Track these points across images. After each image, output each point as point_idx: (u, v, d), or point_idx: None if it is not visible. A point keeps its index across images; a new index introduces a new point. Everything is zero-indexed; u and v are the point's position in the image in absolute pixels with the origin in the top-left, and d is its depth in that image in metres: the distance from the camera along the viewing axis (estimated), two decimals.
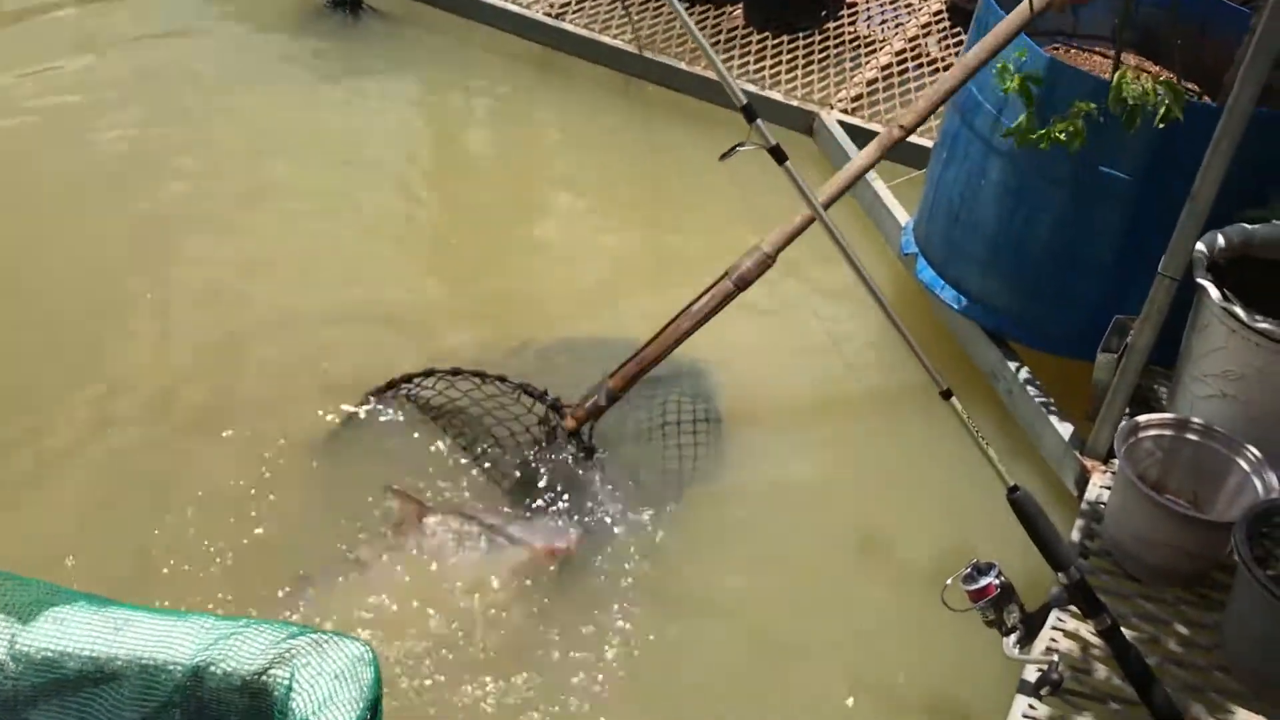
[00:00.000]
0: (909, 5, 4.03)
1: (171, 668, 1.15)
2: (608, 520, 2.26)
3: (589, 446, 2.31)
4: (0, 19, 3.72)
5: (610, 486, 2.32)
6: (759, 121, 1.67)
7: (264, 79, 3.53)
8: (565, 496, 2.27)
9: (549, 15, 3.75)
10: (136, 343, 2.60)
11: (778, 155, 1.65)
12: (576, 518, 2.25)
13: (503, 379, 2.37)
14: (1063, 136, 2.20)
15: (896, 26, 3.91)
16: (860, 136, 3.33)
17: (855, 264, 1.74)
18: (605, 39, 3.65)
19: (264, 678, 1.13)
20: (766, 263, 2.31)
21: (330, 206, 3.05)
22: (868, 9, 3.96)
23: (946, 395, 1.74)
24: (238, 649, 1.15)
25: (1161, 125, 2.08)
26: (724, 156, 1.63)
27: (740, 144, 1.63)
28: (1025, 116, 2.28)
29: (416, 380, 2.41)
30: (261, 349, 2.60)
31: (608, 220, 3.20)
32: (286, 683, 1.12)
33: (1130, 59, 2.57)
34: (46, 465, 2.28)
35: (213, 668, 1.14)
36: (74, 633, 1.17)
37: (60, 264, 2.78)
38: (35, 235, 2.86)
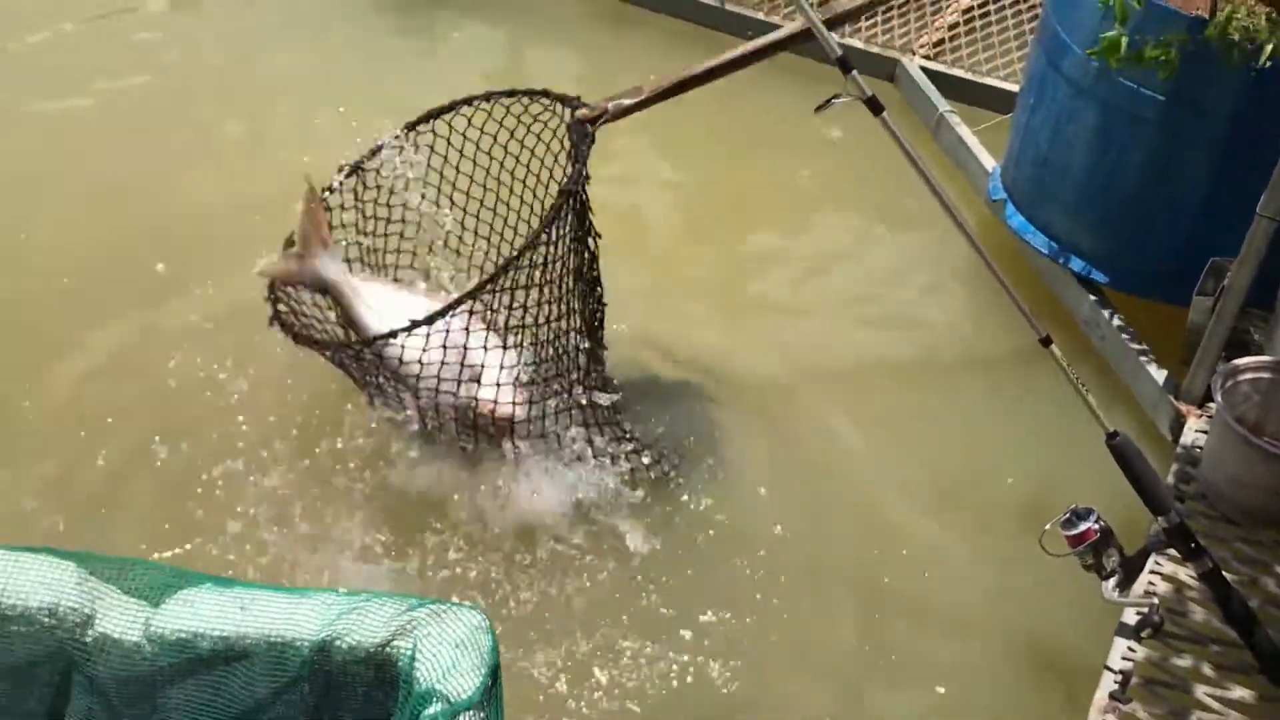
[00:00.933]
0: None
1: (299, 644, 1.20)
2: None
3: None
4: None
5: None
6: (855, 73, 1.67)
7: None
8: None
9: None
10: None
11: (874, 106, 1.66)
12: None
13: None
14: (1152, 61, 2.15)
15: None
16: (943, 82, 3.30)
17: (953, 213, 1.74)
18: None
19: (388, 649, 1.18)
20: None
21: None
22: None
23: (1046, 342, 1.74)
24: (361, 622, 1.20)
25: (1268, 64, 2.04)
26: (819, 109, 1.65)
27: (836, 95, 1.64)
28: (1116, 33, 2.20)
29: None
30: None
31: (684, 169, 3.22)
32: (410, 653, 1.16)
33: None
34: None
35: (338, 642, 1.19)
36: (204, 613, 1.22)
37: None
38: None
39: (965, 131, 3.09)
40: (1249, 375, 2.11)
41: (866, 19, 3.56)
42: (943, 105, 3.19)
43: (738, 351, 2.62)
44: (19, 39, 3.57)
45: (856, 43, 3.47)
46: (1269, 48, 2.01)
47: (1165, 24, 2.18)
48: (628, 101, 2.20)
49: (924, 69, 3.36)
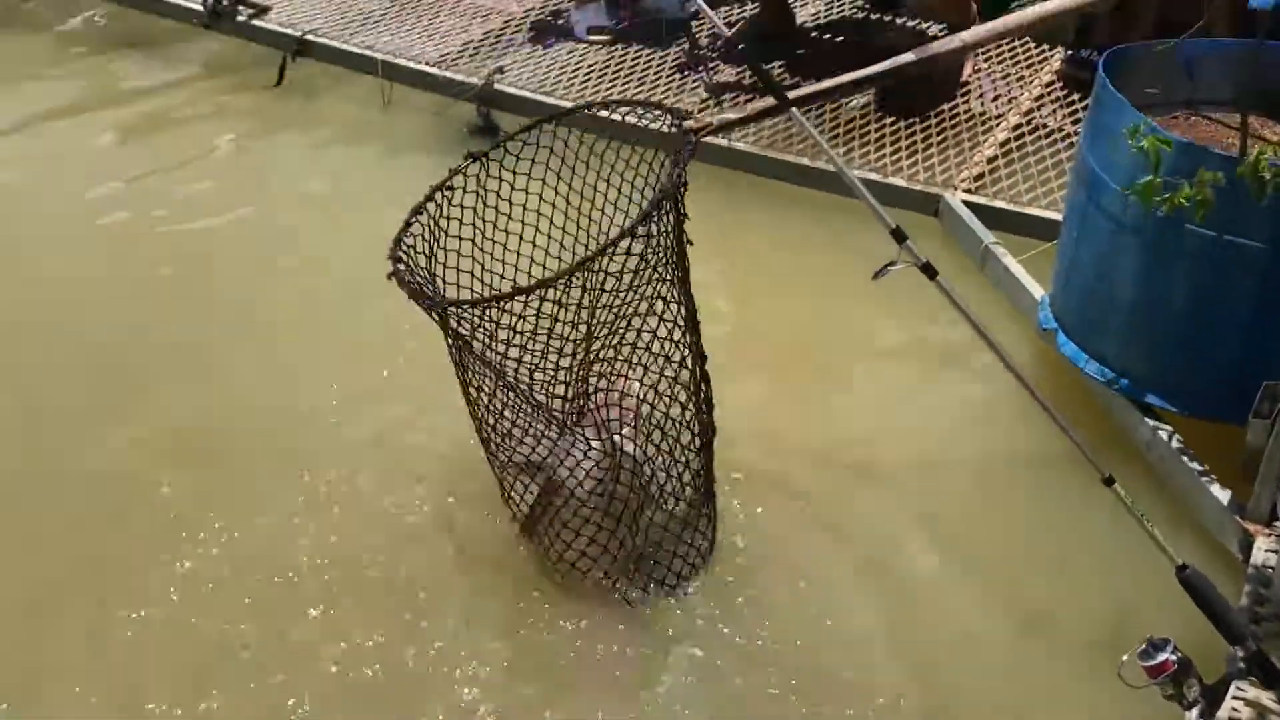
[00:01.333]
0: (1020, 78, 4.13)
1: None
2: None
3: None
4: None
5: None
6: (909, 242, 1.80)
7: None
8: None
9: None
10: None
11: (929, 271, 1.78)
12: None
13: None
14: (1188, 202, 2.26)
15: (1010, 101, 4.01)
16: (985, 214, 3.43)
17: (1007, 362, 1.84)
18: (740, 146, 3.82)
19: None
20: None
21: None
22: (980, 86, 4.07)
23: (1109, 482, 1.82)
24: None
25: None
26: (877, 275, 1.77)
27: (891, 263, 1.76)
28: (1152, 177, 2.32)
29: None
30: None
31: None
32: None
33: (1254, 122, 2.63)
34: None
35: None
36: None
37: None
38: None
39: (1011, 262, 3.20)
40: None
41: (908, 156, 3.72)
42: (987, 237, 3.31)
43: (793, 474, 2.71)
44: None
45: (899, 181, 3.61)
46: None
47: (1198, 162, 2.29)
48: (732, 116, 2.39)
49: (966, 202, 3.49)
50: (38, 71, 4.59)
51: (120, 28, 4.83)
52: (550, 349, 2.10)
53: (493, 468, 2.41)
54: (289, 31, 4.49)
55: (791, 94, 2.35)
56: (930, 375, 3.08)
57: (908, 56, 2.79)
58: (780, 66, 4.15)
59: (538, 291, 1.93)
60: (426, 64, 4.30)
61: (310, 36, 4.46)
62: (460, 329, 2.09)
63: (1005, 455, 2.81)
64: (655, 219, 1.99)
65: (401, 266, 2.13)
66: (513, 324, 1.99)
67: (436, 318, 2.12)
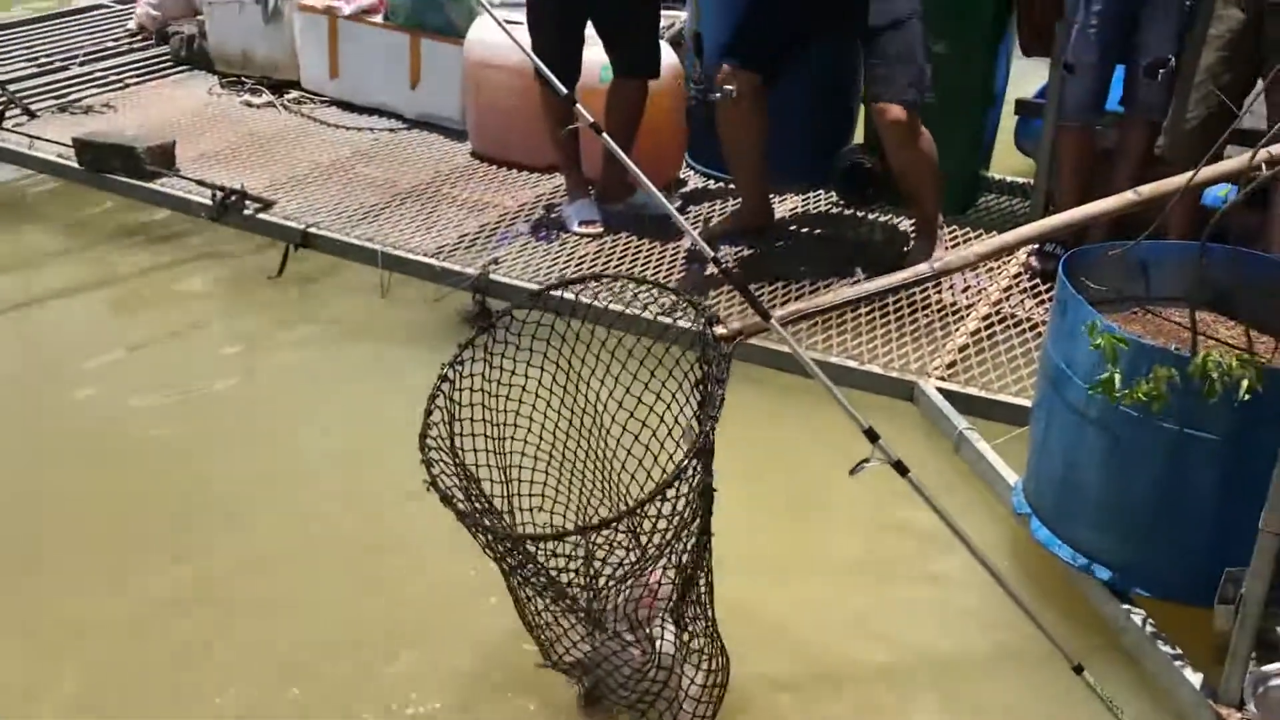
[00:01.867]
0: (989, 270, 4.36)
1: None
2: None
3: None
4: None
5: None
6: (881, 441, 1.93)
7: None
8: None
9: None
10: None
11: (900, 469, 1.90)
12: None
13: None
14: (1145, 398, 2.41)
15: (980, 292, 4.22)
16: (958, 400, 3.58)
17: (981, 559, 1.95)
18: None
19: None
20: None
21: None
22: (950, 278, 4.28)
23: (1078, 670, 1.90)
24: None
25: (1247, 397, 2.29)
26: (853, 471, 1.89)
27: (866, 460, 1.89)
28: (1109, 373, 2.47)
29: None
30: None
31: None
32: None
33: (1207, 318, 2.81)
34: None
35: None
36: None
37: None
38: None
39: (985, 447, 3.34)
40: (1278, 682, 2.24)
41: (883, 345, 3.89)
42: (961, 423, 3.46)
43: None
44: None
45: (876, 368, 3.77)
46: (1244, 384, 2.26)
47: (1153, 361, 2.45)
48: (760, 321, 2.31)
49: (940, 389, 3.65)
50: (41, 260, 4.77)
51: (128, 220, 5.05)
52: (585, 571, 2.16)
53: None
54: (292, 225, 4.71)
55: (780, 312, 2.48)
56: (910, 561, 3.16)
57: (923, 268, 2.99)
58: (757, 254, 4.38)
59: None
60: (424, 255, 4.51)
61: (313, 229, 4.67)
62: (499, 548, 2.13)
63: (982, 645, 2.85)
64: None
65: (435, 471, 2.11)
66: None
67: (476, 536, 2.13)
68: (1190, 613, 2.63)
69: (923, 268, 3.08)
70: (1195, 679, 2.51)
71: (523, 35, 4.72)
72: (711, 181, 5.20)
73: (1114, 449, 2.64)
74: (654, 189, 2.59)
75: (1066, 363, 2.73)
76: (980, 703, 2.67)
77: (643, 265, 4.46)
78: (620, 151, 2.55)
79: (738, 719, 2.51)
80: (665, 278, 4.34)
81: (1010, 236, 3.28)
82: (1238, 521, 2.37)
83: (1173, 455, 2.55)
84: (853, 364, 3.78)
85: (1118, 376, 2.44)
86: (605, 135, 2.72)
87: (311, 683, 2.64)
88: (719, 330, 2.14)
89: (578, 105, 2.78)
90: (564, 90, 2.78)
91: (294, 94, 6.09)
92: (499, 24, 2.83)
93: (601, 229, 4.67)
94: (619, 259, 4.51)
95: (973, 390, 3.65)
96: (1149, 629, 2.65)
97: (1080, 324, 2.59)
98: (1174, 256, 2.96)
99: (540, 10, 4.40)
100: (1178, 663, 2.56)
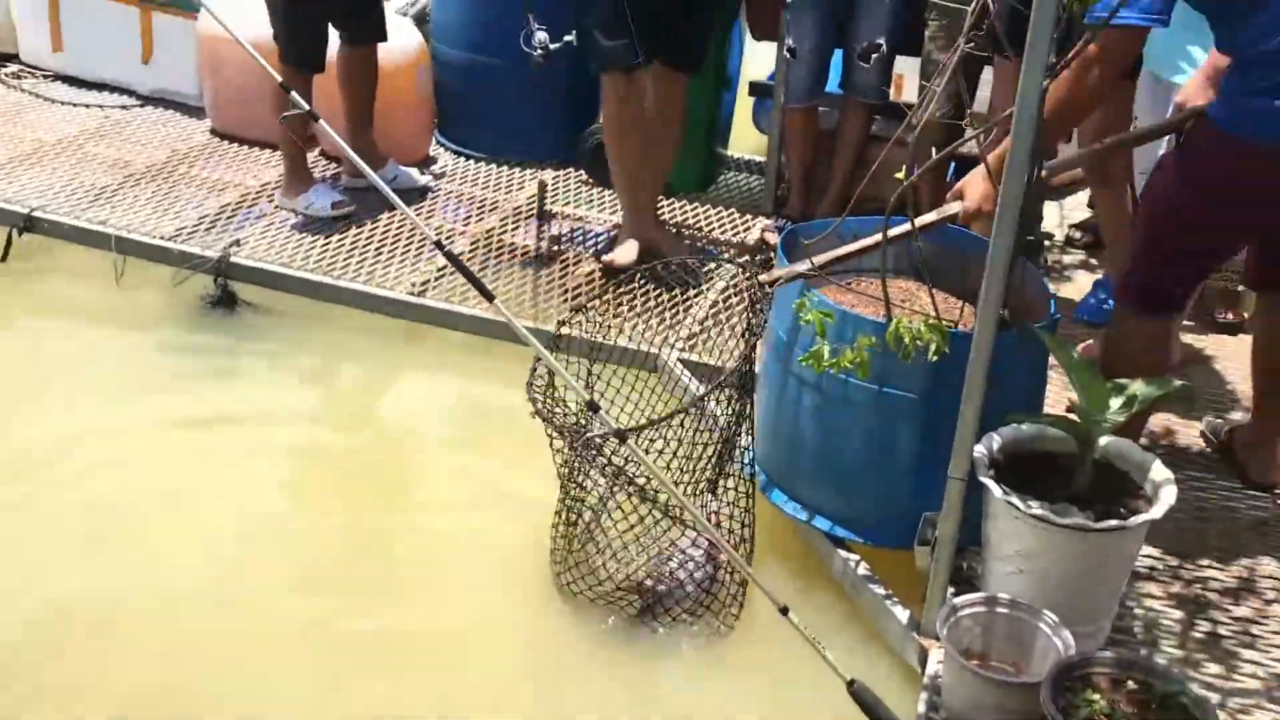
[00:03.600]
0: (727, 244, 4.58)
1: None
2: None
3: None
4: None
5: None
6: (604, 411, 2.05)
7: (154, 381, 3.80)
8: None
9: (411, 293, 4.16)
10: None
11: (620, 436, 2.02)
12: None
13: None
14: (850, 365, 2.64)
15: (718, 267, 4.43)
16: (697, 369, 3.77)
17: (700, 521, 2.10)
18: (464, 309, 4.06)
19: None
20: None
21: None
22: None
23: (784, 612, 2.09)
24: None
25: (936, 358, 2.55)
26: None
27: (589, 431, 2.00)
28: (820, 346, 2.70)
29: None
30: None
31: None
32: None
33: (910, 286, 3.08)
34: None
35: None
36: None
37: None
38: None
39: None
40: (968, 610, 2.51)
41: (628, 319, 4.04)
42: (700, 390, 3.64)
43: None
44: None
45: (625, 342, 3.91)
46: (933, 346, 2.51)
47: (857, 329, 2.68)
48: (800, 268, 2.90)
49: (681, 360, 3.83)
50: None
51: None
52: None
53: None
54: (15, 209, 4.45)
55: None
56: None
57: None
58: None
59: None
60: (161, 238, 4.36)
61: (38, 213, 4.44)
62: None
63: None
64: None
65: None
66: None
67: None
68: (901, 556, 2.89)
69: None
70: (903, 615, 2.77)
71: (251, 18, 4.63)
72: (463, 160, 5.23)
73: (827, 410, 2.87)
74: (370, 171, 2.60)
75: (785, 332, 2.94)
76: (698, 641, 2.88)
77: (393, 244, 4.46)
78: (337, 137, 2.56)
79: None
80: (415, 256, 4.37)
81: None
82: (934, 471, 2.63)
83: (876, 413, 2.79)
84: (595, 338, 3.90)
85: (826, 348, 2.66)
86: (321, 122, 2.73)
87: None
88: (762, 276, 2.92)
89: (292, 93, 2.78)
90: (278, 77, 2.77)
91: (13, 68, 5.73)
92: (218, 21, 2.78)
93: (354, 206, 4.63)
94: (368, 238, 4.49)
95: (709, 359, 3.84)
96: (862, 572, 2.90)
97: (794, 298, 2.80)
98: (876, 230, 3.21)
99: None
100: (888, 601, 2.82)
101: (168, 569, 3.01)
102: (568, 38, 4.30)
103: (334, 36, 4.45)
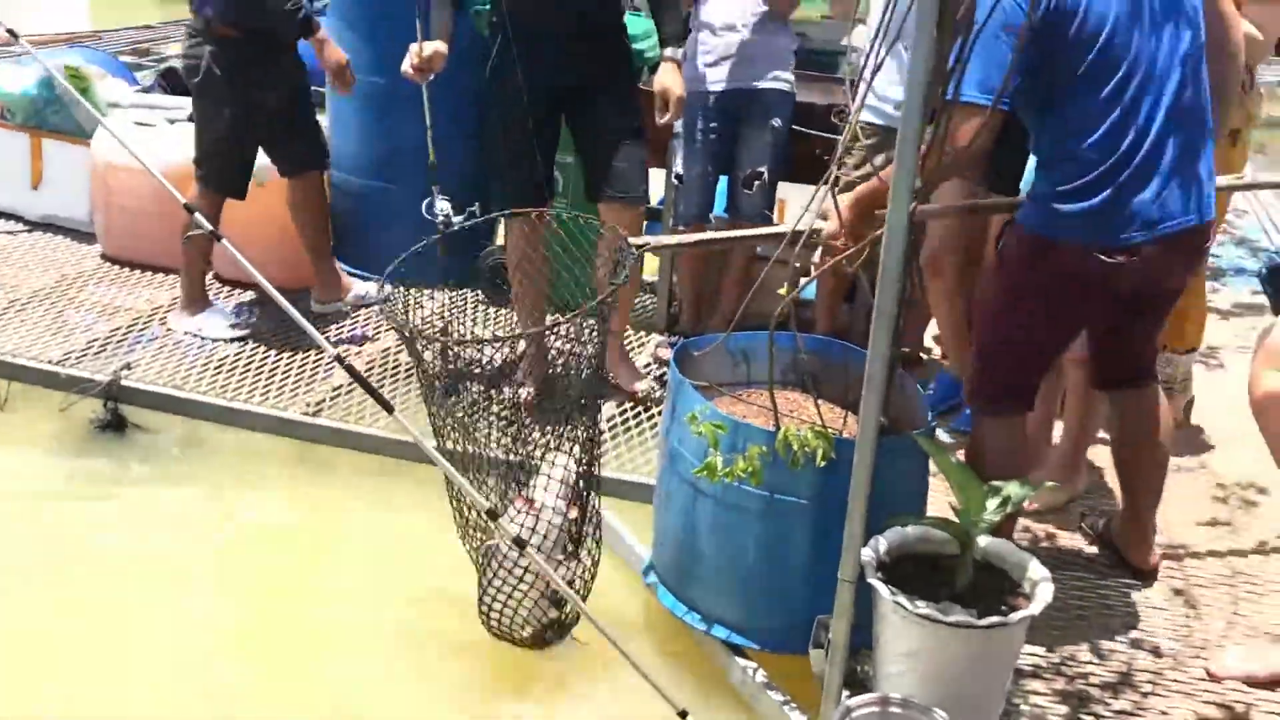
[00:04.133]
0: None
1: None
2: None
3: None
4: None
5: None
6: (502, 519, 2.10)
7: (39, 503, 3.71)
8: None
9: (306, 412, 4.16)
10: None
11: (519, 543, 2.07)
12: None
13: None
14: (743, 473, 2.74)
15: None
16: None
17: (598, 625, 2.14)
18: (362, 428, 4.07)
19: None
20: None
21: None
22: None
23: (683, 715, 2.12)
24: None
25: (823, 464, 2.66)
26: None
27: (491, 541, 2.04)
28: (714, 458, 2.80)
29: None
30: None
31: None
32: None
33: (796, 397, 3.21)
34: None
35: None
36: None
37: None
38: None
39: (620, 525, 3.59)
40: (861, 711, 2.57)
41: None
42: (599, 504, 3.69)
43: None
44: None
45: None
46: (820, 452, 2.62)
47: (748, 439, 2.79)
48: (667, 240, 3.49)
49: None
50: None
51: None
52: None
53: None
54: None
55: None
56: None
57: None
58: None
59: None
60: (49, 362, 4.30)
61: None
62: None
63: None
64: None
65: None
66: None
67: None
68: (799, 661, 2.95)
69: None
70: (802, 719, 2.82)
71: (152, 138, 4.68)
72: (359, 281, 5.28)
73: (722, 519, 2.95)
74: (270, 287, 2.64)
75: (679, 442, 3.03)
76: None
77: (288, 363, 4.46)
78: (249, 265, 2.60)
79: None
80: (313, 373, 4.38)
81: None
82: (826, 574, 2.71)
83: (769, 520, 2.88)
84: (494, 453, 3.93)
85: (719, 459, 2.76)
86: (225, 240, 2.79)
87: None
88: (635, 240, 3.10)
89: (195, 214, 2.83)
90: (181, 198, 2.81)
91: None
92: (120, 142, 2.84)
93: (249, 330, 4.63)
94: (263, 358, 4.49)
95: (609, 472, 3.90)
96: (760, 679, 2.95)
97: (688, 410, 2.90)
98: (763, 345, 3.35)
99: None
100: (786, 707, 2.87)
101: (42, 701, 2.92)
102: (471, 209, 4.45)
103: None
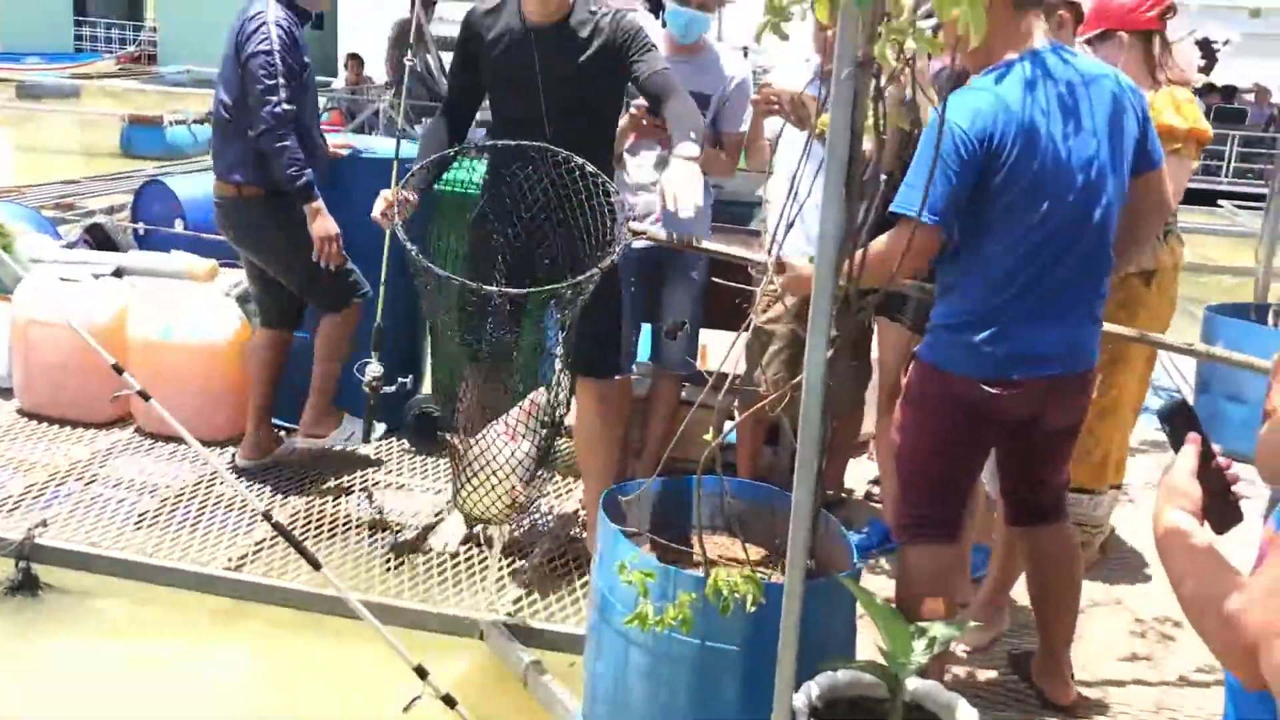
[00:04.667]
0: (550, 509, 4.69)
1: None
2: None
3: None
4: None
5: None
6: (431, 676, 2.08)
7: None
8: None
9: (228, 568, 4.08)
10: None
11: (449, 702, 2.05)
12: None
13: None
14: (673, 621, 2.74)
15: (548, 530, 4.52)
16: (523, 634, 3.79)
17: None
18: (286, 583, 4.00)
19: None
20: None
21: None
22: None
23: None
24: None
25: (753, 609, 2.67)
26: (406, 709, 2.02)
27: (417, 697, 2.03)
28: (644, 607, 2.80)
29: None
30: None
31: None
32: None
33: (725, 541, 3.24)
34: None
35: None
36: None
37: None
38: None
39: (548, 678, 3.54)
40: None
41: (453, 583, 4.05)
42: (527, 656, 3.66)
43: None
44: None
45: (446, 610, 3.91)
46: (750, 598, 2.65)
47: (678, 585, 2.80)
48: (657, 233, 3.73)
49: (506, 625, 3.84)
50: None
51: None
52: None
53: None
54: None
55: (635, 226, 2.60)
56: None
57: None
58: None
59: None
60: None
61: None
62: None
63: None
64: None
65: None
66: None
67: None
68: None
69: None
70: None
71: (77, 293, 4.68)
72: (283, 433, 5.24)
73: (652, 666, 2.94)
74: (193, 439, 2.65)
75: (610, 590, 3.03)
76: None
77: (210, 517, 4.39)
78: (168, 415, 2.60)
79: None
80: (237, 525, 4.30)
81: None
82: None
83: (701, 667, 2.88)
84: (421, 606, 3.90)
85: (650, 607, 2.76)
86: (154, 400, 2.79)
87: None
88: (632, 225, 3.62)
89: (125, 374, 2.83)
90: (110, 358, 2.81)
91: None
92: (57, 310, 2.84)
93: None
94: (185, 512, 4.41)
95: (536, 623, 3.87)
96: None
97: (617, 558, 2.91)
98: (693, 491, 3.39)
99: None
100: None
101: None
102: (402, 379, 4.50)
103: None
